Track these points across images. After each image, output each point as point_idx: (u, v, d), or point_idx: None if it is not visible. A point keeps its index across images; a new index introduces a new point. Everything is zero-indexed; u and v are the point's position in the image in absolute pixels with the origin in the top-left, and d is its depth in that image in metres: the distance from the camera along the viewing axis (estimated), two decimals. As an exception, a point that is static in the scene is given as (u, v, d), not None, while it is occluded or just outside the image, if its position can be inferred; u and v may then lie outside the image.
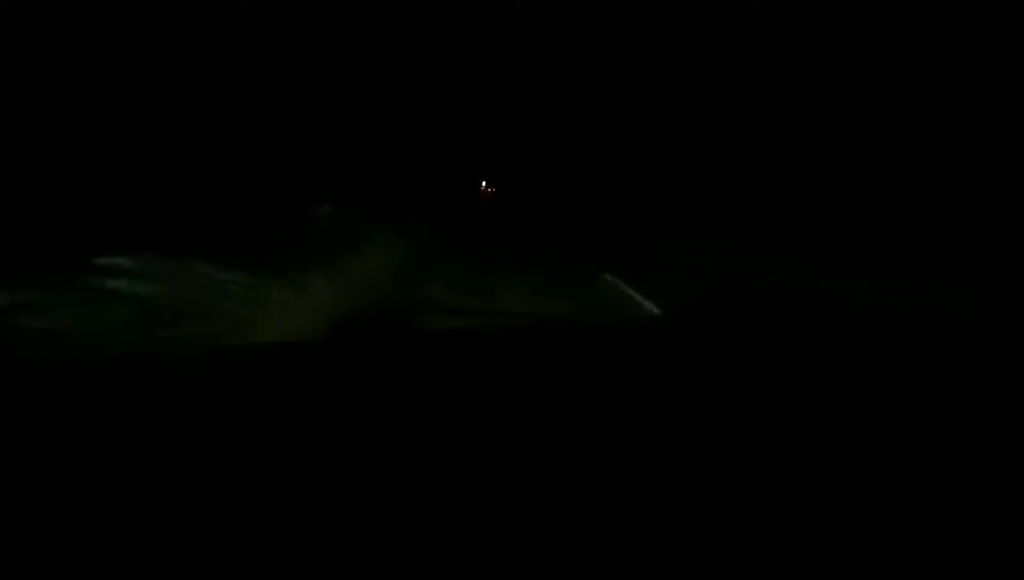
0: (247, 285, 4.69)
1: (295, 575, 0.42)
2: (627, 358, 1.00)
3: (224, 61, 10.13)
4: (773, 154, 12.93)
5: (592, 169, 21.27)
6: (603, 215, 18.73)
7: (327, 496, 0.51)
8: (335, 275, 5.31)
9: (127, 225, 6.96)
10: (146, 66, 9.34)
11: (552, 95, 20.89)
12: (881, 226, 8.79)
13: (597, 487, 0.53)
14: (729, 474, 0.55)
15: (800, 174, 11.89)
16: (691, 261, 9.21)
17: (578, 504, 0.50)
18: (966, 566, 0.45)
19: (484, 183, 34.48)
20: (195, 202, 8.09)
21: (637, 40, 16.98)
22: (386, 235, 9.35)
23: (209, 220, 7.32)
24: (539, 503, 0.50)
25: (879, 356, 1.03)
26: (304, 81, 11.57)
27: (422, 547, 0.44)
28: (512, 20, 16.80)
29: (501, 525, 0.47)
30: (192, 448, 0.59)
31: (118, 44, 9.10)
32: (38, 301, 3.37)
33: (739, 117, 14.26)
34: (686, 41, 15.82)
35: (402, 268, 6.19)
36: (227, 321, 3.55)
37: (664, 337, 1.29)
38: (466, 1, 15.94)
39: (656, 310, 3.88)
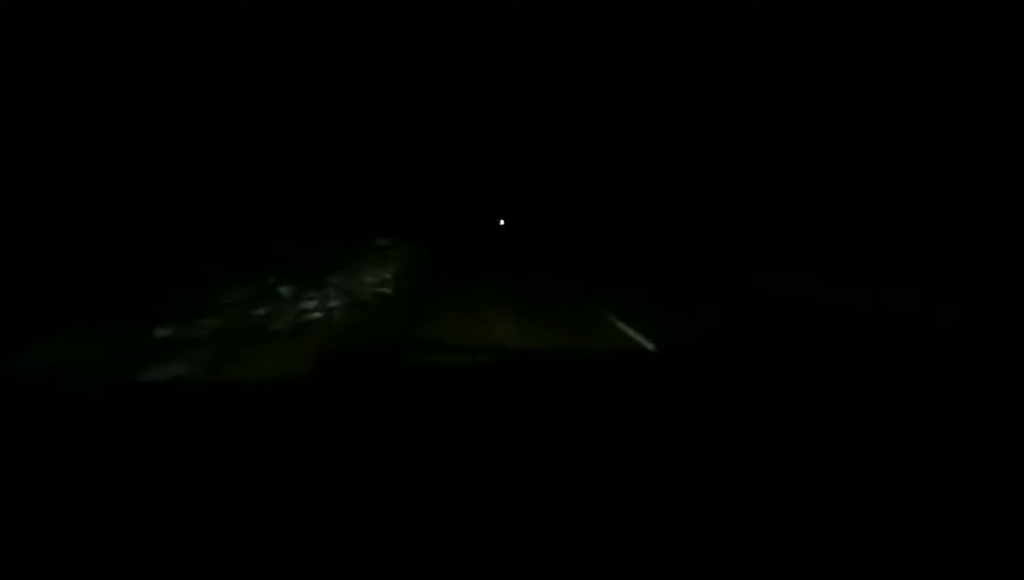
0: (240, 315, 4.75)
1: None
2: (617, 396, 0.99)
3: (224, 71, 10.02)
4: (769, 159, 12.85)
5: (584, 185, 21.16)
6: (597, 232, 18.66)
7: (313, 525, 0.51)
8: (327, 309, 5.38)
9: (119, 246, 6.97)
10: (146, 68, 9.22)
11: (548, 112, 20.64)
12: (880, 231, 8.75)
13: (582, 517, 0.52)
14: (719, 508, 0.54)
15: (796, 178, 11.83)
16: (687, 274, 9.24)
17: (563, 535, 0.50)
18: (969, 565, 0.46)
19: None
20: (187, 228, 8.06)
21: (637, 40, 16.76)
22: (379, 264, 9.39)
23: (200, 248, 7.33)
24: (524, 537, 0.50)
25: (883, 384, 1.02)
26: (299, 97, 11.45)
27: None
28: (512, 20, 16.57)
29: (489, 563, 0.47)
30: (182, 479, 0.60)
31: (118, 45, 8.97)
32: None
33: (739, 118, 14.14)
34: (686, 41, 15.63)
35: (394, 299, 6.26)
36: (221, 352, 3.61)
37: (656, 374, 1.29)
38: (466, 3, 15.73)
39: (649, 346, 3.95)
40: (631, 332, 4.37)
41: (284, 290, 5.91)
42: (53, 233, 6.67)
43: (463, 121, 20.05)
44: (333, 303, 5.58)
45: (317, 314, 5.10)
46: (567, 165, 23.07)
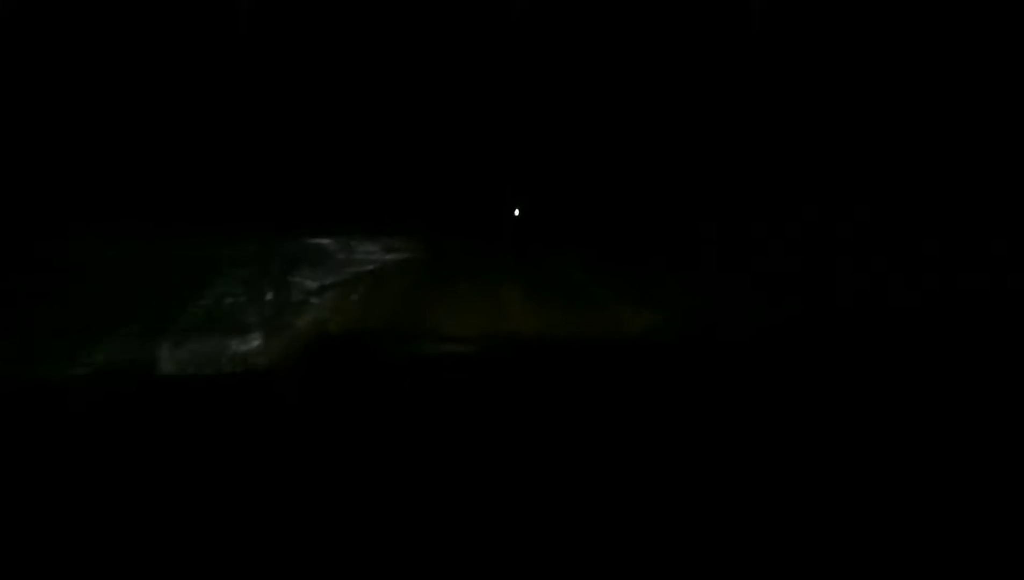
0: (248, 305, 4.74)
1: None
2: (629, 383, 1.00)
3: (225, 68, 10.01)
4: (771, 153, 12.87)
5: (592, 171, 21.17)
6: (605, 216, 18.65)
7: (311, 514, 0.52)
8: (338, 296, 5.35)
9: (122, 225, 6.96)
10: (146, 69, 9.25)
11: (551, 100, 20.72)
12: (882, 220, 8.76)
13: (593, 506, 0.53)
14: (728, 491, 0.56)
15: (798, 173, 11.85)
16: (697, 258, 9.18)
17: (573, 527, 0.51)
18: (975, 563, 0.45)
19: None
20: (193, 220, 8.08)
21: (637, 41, 16.85)
22: (389, 254, 9.37)
23: (209, 239, 7.33)
24: (534, 525, 0.50)
25: (884, 370, 1.05)
26: (302, 91, 11.49)
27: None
28: (512, 21, 16.69)
29: (496, 551, 0.47)
30: (178, 467, 0.61)
31: (118, 45, 9.00)
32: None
33: (739, 115, 14.19)
34: (686, 41, 15.71)
35: (407, 288, 6.22)
36: (227, 342, 3.58)
37: (669, 363, 1.30)
38: (466, 3, 15.81)
39: (661, 328, 3.91)
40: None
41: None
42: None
43: (464, 130, 20.07)
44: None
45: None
46: (567, 170, 23.06)
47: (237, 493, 0.49)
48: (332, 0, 12.45)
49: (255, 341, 3.74)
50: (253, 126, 10.53)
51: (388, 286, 6.42)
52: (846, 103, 10.97)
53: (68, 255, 5.65)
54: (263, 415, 0.75)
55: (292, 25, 11.46)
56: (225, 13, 9.84)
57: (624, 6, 17.08)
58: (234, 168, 9.72)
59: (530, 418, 0.75)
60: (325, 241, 9.32)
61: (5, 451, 0.69)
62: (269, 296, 5.24)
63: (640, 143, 18.18)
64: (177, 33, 9.57)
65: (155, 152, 9.09)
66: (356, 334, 3.85)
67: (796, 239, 8.91)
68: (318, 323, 4.41)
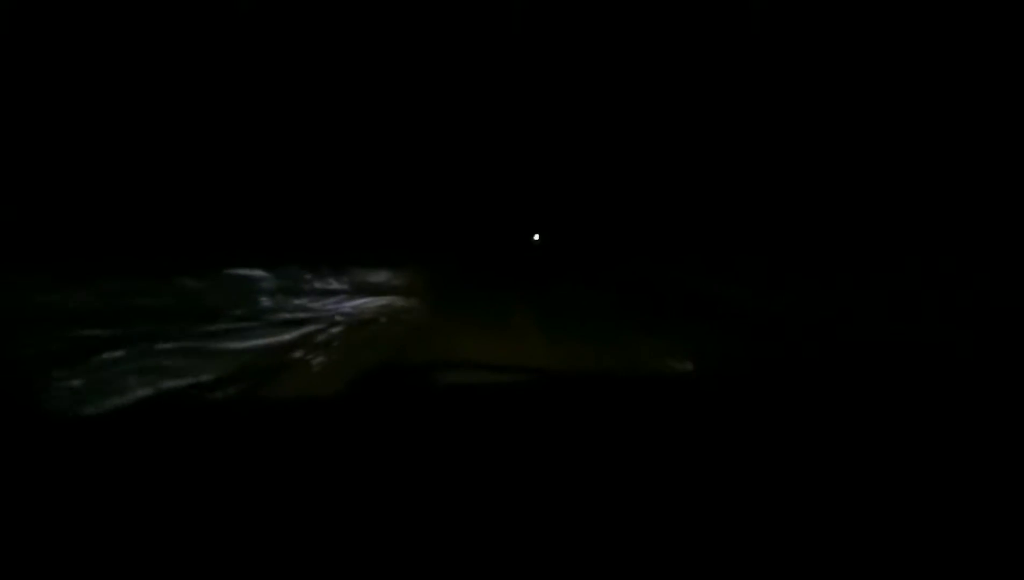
0: (266, 334, 4.69)
1: None
2: (652, 421, 0.98)
3: (226, 77, 9.91)
4: (776, 163, 12.78)
5: (602, 188, 21.14)
6: (623, 239, 18.60)
7: (337, 553, 0.51)
8: (357, 324, 5.30)
9: (140, 257, 6.94)
10: (146, 70, 9.18)
11: (552, 113, 20.71)
12: (891, 239, 8.65)
13: (608, 548, 0.52)
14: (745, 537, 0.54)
15: (802, 183, 11.74)
16: (716, 293, 9.12)
17: (585, 560, 0.50)
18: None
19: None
20: (210, 246, 8.03)
21: (636, 42, 16.87)
22: (408, 281, 9.35)
23: (223, 264, 7.30)
24: (547, 560, 0.50)
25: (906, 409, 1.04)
26: (307, 103, 11.40)
27: None
28: (512, 22, 16.75)
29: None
30: (205, 502, 0.60)
31: (118, 45, 8.95)
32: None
33: (742, 122, 14.14)
34: (686, 42, 15.73)
35: (425, 317, 6.16)
36: (244, 371, 3.53)
37: (693, 399, 1.28)
38: (466, 5, 15.84)
39: (687, 366, 3.82)
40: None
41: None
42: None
43: (464, 122, 19.92)
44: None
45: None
46: (581, 190, 23.03)
47: (253, 528, 0.50)
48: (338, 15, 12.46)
49: (267, 366, 3.69)
50: (262, 144, 10.46)
51: (400, 315, 6.39)
52: (851, 113, 10.92)
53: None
54: (276, 442, 0.75)
55: (294, 32, 11.35)
56: (223, 22, 9.77)
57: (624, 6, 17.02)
58: (246, 196, 9.67)
59: (544, 448, 0.74)
60: (337, 269, 9.34)
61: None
62: (284, 322, 5.21)
63: (655, 173, 18.19)
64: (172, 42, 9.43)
65: (151, 175, 8.97)
66: (369, 363, 3.79)
67: (815, 269, 8.85)
68: (330, 353, 4.35)
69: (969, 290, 5.96)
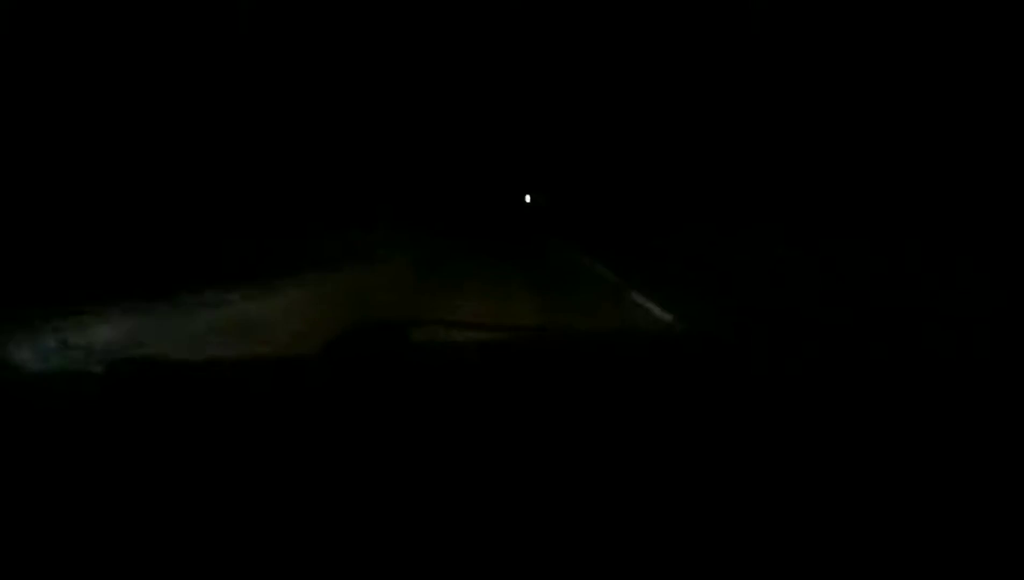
0: (250, 294, 4.63)
1: None
2: (634, 374, 0.98)
3: (225, 64, 9.85)
4: (776, 148, 12.75)
5: (595, 164, 21.13)
6: (609, 209, 18.63)
7: (320, 510, 0.51)
8: (340, 284, 5.23)
9: (134, 228, 6.90)
10: (146, 69, 9.11)
11: (551, 93, 20.64)
12: (886, 217, 8.68)
13: (595, 499, 0.53)
14: (730, 489, 0.55)
15: (803, 168, 11.73)
16: (703, 253, 9.09)
17: (575, 519, 0.50)
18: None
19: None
20: (198, 213, 7.98)
21: (636, 40, 16.69)
22: (394, 244, 9.26)
23: (215, 231, 7.24)
24: (536, 518, 0.50)
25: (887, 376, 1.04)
26: (304, 85, 11.31)
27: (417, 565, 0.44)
28: (512, 21, 16.48)
29: (500, 543, 0.47)
30: (186, 459, 0.60)
31: (118, 46, 8.86)
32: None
33: (740, 113, 14.06)
34: (686, 41, 15.54)
35: (410, 278, 6.11)
36: (229, 330, 3.49)
37: (673, 352, 1.30)
38: (466, 3, 15.59)
39: (668, 318, 3.79)
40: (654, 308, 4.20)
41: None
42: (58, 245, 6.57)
43: (465, 123, 20.02)
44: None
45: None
46: (570, 163, 22.94)
47: (240, 487, 0.49)
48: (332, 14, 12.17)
49: (261, 329, 3.66)
50: (256, 123, 10.39)
51: (391, 277, 6.33)
52: (850, 109, 10.81)
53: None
54: (269, 404, 0.74)
55: (292, 29, 11.22)
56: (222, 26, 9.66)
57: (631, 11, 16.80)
58: (237, 165, 9.62)
59: (535, 410, 0.72)
60: (327, 234, 9.26)
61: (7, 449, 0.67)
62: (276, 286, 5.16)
63: (646, 138, 18.08)
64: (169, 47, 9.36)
65: (152, 156, 8.99)
66: (358, 325, 3.75)
67: (804, 237, 8.85)
68: (321, 314, 4.31)
69: (968, 268, 5.98)
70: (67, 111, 8.09)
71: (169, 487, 0.54)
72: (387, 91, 14.43)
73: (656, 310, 4.17)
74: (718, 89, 14.90)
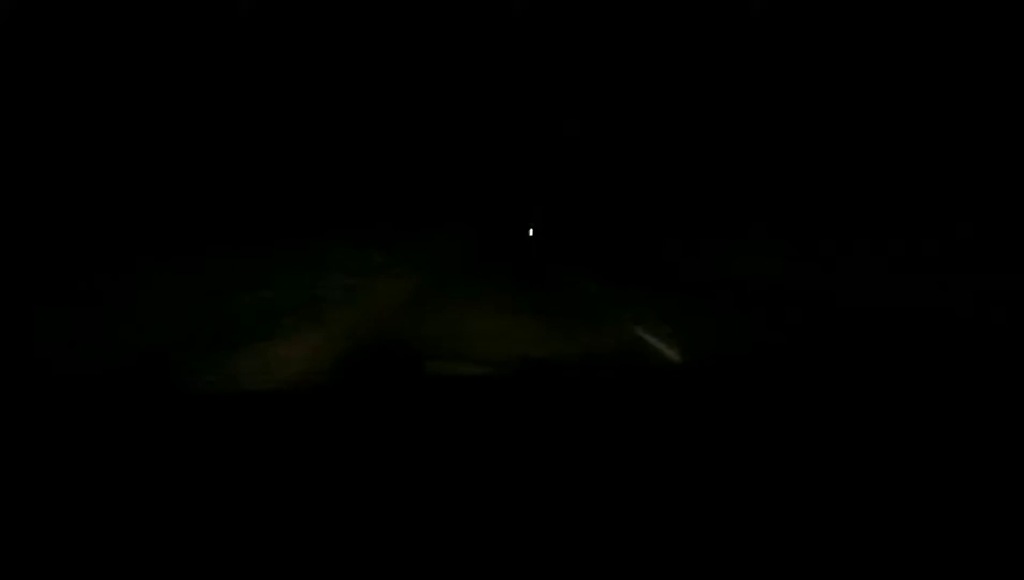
0: (261, 316, 4.67)
1: None
2: (638, 412, 0.98)
3: (227, 70, 9.89)
4: (775, 155, 12.67)
5: (597, 184, 21.06)
6: (614, 229, 18.53)
7: (324, 533, 0.51)
8: (349, 310, 5.27)
9: (140, 244, 6.92)
10: (146, 69, 9.13)
11: (550, 109, 20.56)
12: (886, 223, 8.62)
13: (598, 529, 0.53)
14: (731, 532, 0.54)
15: (802, 175, 11.65)
16: (707, 277, 9.08)
17: (575, 551, 0.50)
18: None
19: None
20: (206, 227, 8.00)
21: (637, 41, 16.63)
22: (400, 271, 9.30)
23: (222, 247, 7.27)
24: (537, 549, 0.50)
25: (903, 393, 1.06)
26: (317, 108, 11.34)
27: None
28: (512, 22, 16.50)
29: (502, 569, 0.48)
30: (196, 486, 0.60)
31: (118, 46, 8.88)
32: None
33: (740, 117, 13.99)
34: (686, 41, 15.50)
35: (415, 306, 6.13)
36: (242, 351, 3.53)
37: (679, 391, 1.27)
38: (466, 4, 15.62)
39: (675, 357, 3.81)
40: (655, 342, 4.23)
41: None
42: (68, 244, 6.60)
43: (464, 121, 19.83)
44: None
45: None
46: (573, 186, 22.87)
47: (250, 510, 0.52)
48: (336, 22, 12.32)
49: (272, 350, 3.69)
50: (261, 135, 10.40)
51: (399, 303, 6.37)
52: (847, 108, 10.78)
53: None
54: (279, 430, 0.76)
55: (293, 30, 11.28)
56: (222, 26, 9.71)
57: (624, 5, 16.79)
58: (247, 179, 9.63)
59: (542, 439, 0.75)
60: (335, 254, 9.28)
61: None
62: (286, 307, 5.18)
63: (651, 167, 18.02)
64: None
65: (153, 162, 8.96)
66: (364, 353, 3.79)
67: (808, 253, 8.82)
68: (327, 339, 4.34)
69: (967, 263, 5.96)
70: (67, 112, 8.08)
71: (183, 515, 0.55)
72: (400, 113, 14.48)
73: (661, 344, 4.21)
74: (719, 99, 14.88)
